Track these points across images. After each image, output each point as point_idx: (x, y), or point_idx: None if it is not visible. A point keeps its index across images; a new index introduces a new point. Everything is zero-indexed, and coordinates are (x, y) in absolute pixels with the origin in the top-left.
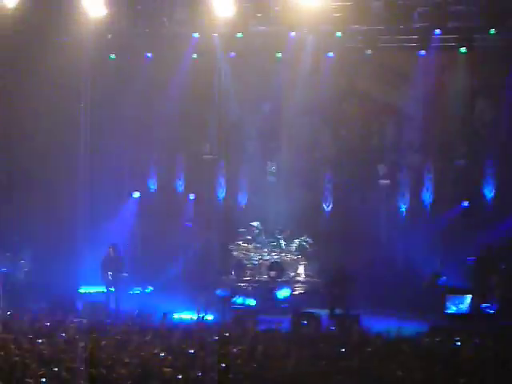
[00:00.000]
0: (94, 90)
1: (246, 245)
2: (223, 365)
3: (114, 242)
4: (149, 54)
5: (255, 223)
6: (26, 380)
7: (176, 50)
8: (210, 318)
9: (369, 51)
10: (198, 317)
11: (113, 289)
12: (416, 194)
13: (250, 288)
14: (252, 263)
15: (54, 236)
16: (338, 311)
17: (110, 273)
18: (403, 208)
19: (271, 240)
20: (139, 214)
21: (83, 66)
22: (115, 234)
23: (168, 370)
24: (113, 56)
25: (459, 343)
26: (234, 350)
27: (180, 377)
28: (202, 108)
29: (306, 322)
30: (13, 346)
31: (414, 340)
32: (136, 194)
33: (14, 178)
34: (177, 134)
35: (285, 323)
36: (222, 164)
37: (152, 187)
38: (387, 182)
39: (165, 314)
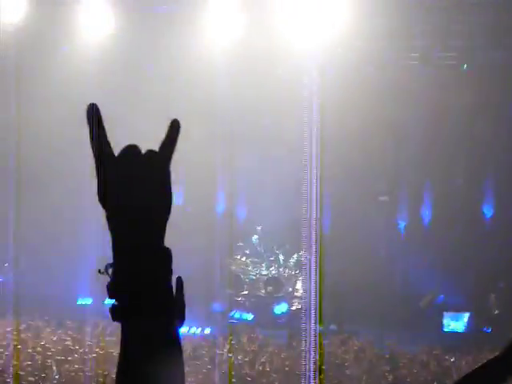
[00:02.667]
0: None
1: (243, 259)
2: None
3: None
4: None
5: (254, 237)
6: None
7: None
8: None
9: (370, 68)
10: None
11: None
12: (415, 211)
13: (247, 303)
14: (249, 278)
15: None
16: (332, 327)
17: None
18: (402, 225)
19: (269, 255)
20: None
21: None
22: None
23: None
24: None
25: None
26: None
27: None
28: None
29: None
30: None
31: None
32: None
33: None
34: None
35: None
36: (220, 177)
37: None
38: (386, 198)
39: None
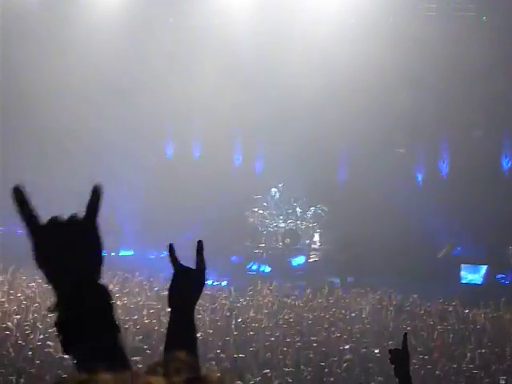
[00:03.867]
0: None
1: (261, 212)
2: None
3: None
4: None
5: (273, 190)
6: None
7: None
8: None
9: (390, 18)
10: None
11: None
12: (432, 164)
13: (265, 255)
14: (267, 230)
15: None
16: (350, 279)
17: None
18: (419, 177)
19: (287, 207)
20: (156, 179)
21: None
22: (130, 198)
23: None
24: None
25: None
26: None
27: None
28: (220, 74)
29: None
30: None
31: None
32: (152, 159)
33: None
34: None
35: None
36: (238, 130)
37: (168, 152)
38: (403, 150)
39: None
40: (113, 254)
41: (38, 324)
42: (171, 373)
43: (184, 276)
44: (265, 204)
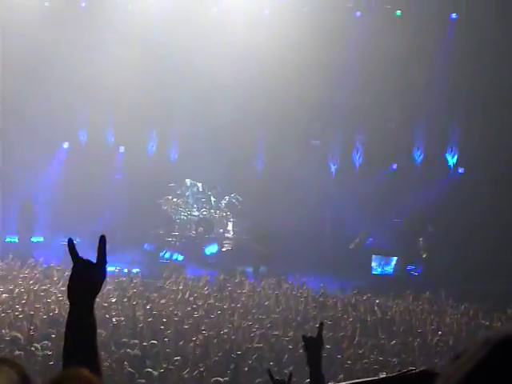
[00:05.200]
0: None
1: (175, 200)
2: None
3: (27, 197)
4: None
5: (187, 180)
6: None
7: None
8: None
9: (305, 9)
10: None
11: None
12: (346, 155)
13: (178, 243)
14: (181, 218)
15: None
16: (262, 269)
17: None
18: (333, 168)
19: (201, 196)
20: (68, 165)
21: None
22: (41, 185)
23: None
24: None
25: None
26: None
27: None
28: (135, 58)
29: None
30: None
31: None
32: (65, 145)
33: None
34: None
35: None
36: (152, 117)
37: (82, 138)
38: (318, 142)
39: None
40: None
41: None
42: None
43: (83, 268)
44: (178, 192)
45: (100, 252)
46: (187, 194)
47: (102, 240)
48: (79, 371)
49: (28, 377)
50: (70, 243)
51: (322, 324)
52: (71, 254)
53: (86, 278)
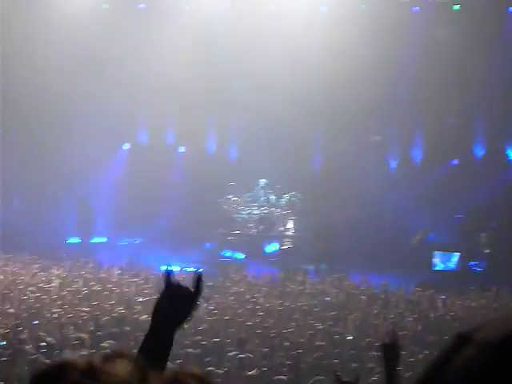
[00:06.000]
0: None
1: (235, 198)
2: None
3: (85, 197)
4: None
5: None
6: None
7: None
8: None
9: (362, 6)
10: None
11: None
12: (406, 151)
13: (239, 242)
14: (241, 217)
15: (43, 184)
16: (323, 267)
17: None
18: (393, 165)
19: (261, 194)
20: (129, 165)
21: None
22: (104, 185)
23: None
24: (106, 6)
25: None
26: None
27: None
28: (194, 60)
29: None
30: None
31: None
32: (126, 146)
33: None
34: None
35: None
36: (212, 117)
37: (142, 139)
38: (378, 138)
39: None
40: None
41: None
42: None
43: (177, 293)
44: (239, 191)
45: (197, 284)
46: (249, 193)
47: (200, 275)
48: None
49: (147, 371)
50: (168, 272)
51: (393, 331)
52: (166, 280)
53: (179, 304)
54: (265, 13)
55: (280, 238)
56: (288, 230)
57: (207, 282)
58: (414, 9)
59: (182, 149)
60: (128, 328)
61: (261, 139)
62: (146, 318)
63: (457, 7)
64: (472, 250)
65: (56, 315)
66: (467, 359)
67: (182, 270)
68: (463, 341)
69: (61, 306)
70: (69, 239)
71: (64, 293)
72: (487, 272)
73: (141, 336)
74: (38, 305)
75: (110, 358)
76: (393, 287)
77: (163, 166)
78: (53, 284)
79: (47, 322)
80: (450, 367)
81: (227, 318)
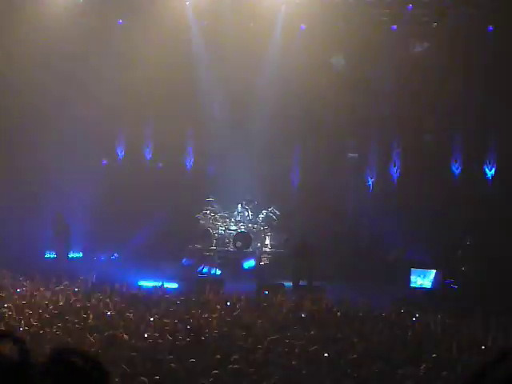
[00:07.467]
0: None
1: (213, 214)
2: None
3: (60, 212)
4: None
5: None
6: None
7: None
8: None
9: (341, 24)
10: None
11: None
12: (384, 168)
13: (216, 258)
14: (219, 233)
15: (19, 199)
16: (302, 283)
17: None
18: (370, 182)
19: (239, 210)
20: (107, 180)
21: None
22: (80, 200)
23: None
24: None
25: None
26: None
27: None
28: (173, 76)
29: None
30: None
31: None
32: (104, 161)
33: None
34: (145, 102)
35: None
36: (190, 132)
37: (120, 154)
38: (355, 155)
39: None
40: None
41: None
42: None
43: None
44: (216, 207)
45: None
46: (225, 207)
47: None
48: None
49: (27, 351)
50: None
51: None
52: None
53: None
54: (244, 30)
55: (257, 254)
56: (266, 246)
57: (181, 298)
58: (392, 27)
59: (159, 164)
60: None
61: (238, 155)
62: None
63: (435, 25)
64: (449, 267)
65: None
66: (505, 372)
67: (156, 286)
68: (504, 356)
69: None
70: (45, 254)
71: None
72: (463, 289)
73: None
74: None
75: None
76: (369, 303)
77: (140, 181)
78: None
79: None
80: (489, 378)
81: (203, 337)
